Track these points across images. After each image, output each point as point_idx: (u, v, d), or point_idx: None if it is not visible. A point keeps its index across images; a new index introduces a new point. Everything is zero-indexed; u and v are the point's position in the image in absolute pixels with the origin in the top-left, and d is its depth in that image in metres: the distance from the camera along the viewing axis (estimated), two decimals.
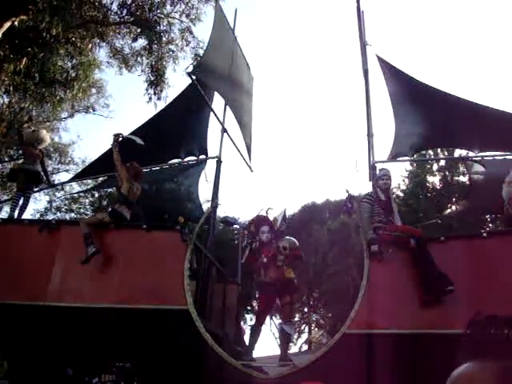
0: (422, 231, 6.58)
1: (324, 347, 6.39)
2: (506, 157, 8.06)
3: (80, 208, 21.60)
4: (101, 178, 10.25)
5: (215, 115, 8.88)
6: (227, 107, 9.30)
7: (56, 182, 13.64)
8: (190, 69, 7.84)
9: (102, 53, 15.34)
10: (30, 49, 11.10)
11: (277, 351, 7.75)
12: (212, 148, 9.42)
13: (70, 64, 13.33)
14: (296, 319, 27.71)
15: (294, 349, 25.85)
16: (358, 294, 6.09)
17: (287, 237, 7.59)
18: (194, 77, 7.70)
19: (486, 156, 8.25)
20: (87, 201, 21.76)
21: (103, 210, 8.99)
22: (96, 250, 6.37)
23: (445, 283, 5.62)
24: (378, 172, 7.00)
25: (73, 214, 21.16)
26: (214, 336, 6.27)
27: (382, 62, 8.42)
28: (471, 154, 8.58)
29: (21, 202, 8.15)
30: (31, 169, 8.33)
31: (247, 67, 10.59)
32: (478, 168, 8.66)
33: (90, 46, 13.15)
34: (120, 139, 7.20)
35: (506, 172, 6.97)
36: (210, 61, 8.46)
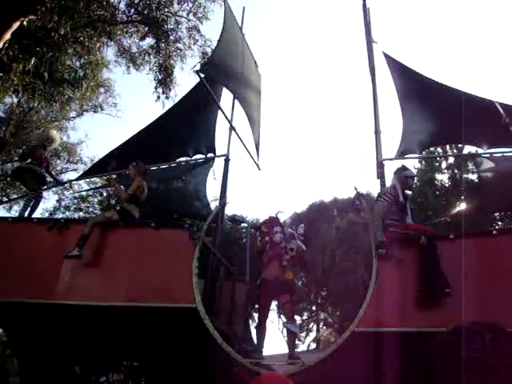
0: (434, 231, 6.54)
1: (333, 345, 6.37)
2: None
3: (89, 207, 21.70)
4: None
5: (223, 113, 8.88)
6: (235, 105, 9.30)
7: (64, 180, 13.71)
8: (198, 67, 7.86)
9: (109, 52, 15.41)
10: (38, 48, 11.14)
11: (286, 349, 7.77)
12: (220, 146, 9.44)
13: (78, 63, 13.38)
14: (304, 317, 27.75)
15: (302, 347, 25.86)
16: (366, 293, 6.08)
17: (297, 241, 7.63)
18: (202, 75, 7.71)
19: (495, 153, 8.19)
20: (96, 200, 21.86)
21: (112, 209, 9.01)
22: (78, 255, 6.41)
23: (443, 285, 5.61)
24: (403, 170, 6.88)
25: (81, 213, 21.27)
26: (223, 334, 6.28)
27: (388, 59, 8.38)
28: (480, 151, 8.52)
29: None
30: (38, 171, 8.39)
31: (255, 65, 10.59)
32: (488, 164, 8.58)
33: (97, 45, 13.19)
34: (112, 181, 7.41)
35: None
36: (219, 59, 8.46)
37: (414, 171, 20.53)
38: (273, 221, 7.85)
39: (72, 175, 21.55)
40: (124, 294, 6.31)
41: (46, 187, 9.32)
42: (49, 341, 6.31)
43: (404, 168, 6.92)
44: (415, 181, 7.00)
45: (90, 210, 21.48)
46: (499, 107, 6.97)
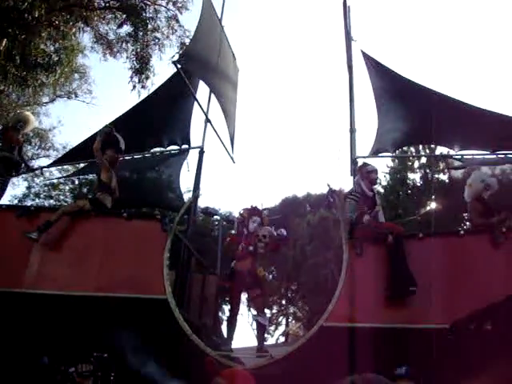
0: (403, 229, 6.67)
1: (302, 339, 6.45)
2: (485, 156, 8.20)
3: (59, 195, 21.31)
4: (82, 165, 10.10)
5: (199, 105, 8.83)
6: (211, 97, 9.25)
7: (35, 167, 13.36)
8: (176, 58, 7.79)
9: (85, 38, 15.07)
10: (10, 30, 10.85)
11: (255, 343, 7.84)
12: (195, 138, 9.39)
13: (52, 48, 13.06)
14: (273, 311, 27.95)
15: (270, 341, 26.04)
16: (336, 288, 6.17)
17: (267, 227, 7.70)
18: (179, 66, 7.65)
19: (466, 155, 8.37)
20: (67, 188, 21.48)
21: (84, 198, 8.86)
22: (35, 239, 6.37)
23: (409, 283, 5.74)
24: (364, 166, 7.06)
25: (52, 201, 20.87)
26: (192, 326, 6.29)
27: (366, 57, 8.44)
28: (452, 152, 8.69)
29: None
30: (10, 157, 8.12)
31: (233, 58, 10.54)
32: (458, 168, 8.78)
33: (73, 30, 12.91)
34: (109, 132, 7.21)
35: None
36: (197, 50, 8.40)
37: (387, 169, 20.84)
38: (254, 210, 7.92)
39: (44, 162, 21.06)
40: (94, 284, 6.25)
41: (16, 174, 9.09)
42: (16, 330, 6.20)
43: (365, 164, 7.15)
44: (377, 175, 7.17)
45: (61, 197, 21.11)
46: None
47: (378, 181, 20.97)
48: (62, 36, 12.66)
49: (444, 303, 5.54)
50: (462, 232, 6.43)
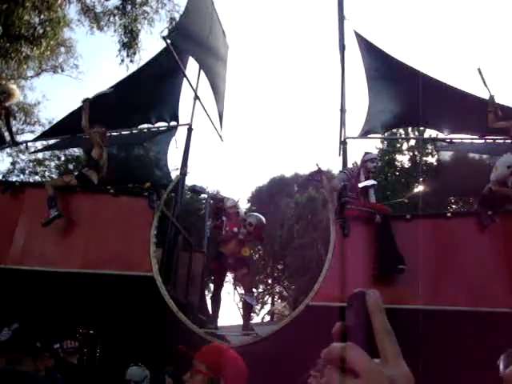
0: (390, 210, 6.70)
1: (287, 318, 6.49)
2: (474, 141, 8.23)
3: (45, 171, 21.05)
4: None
5: (188, 82, 8.72)
6: (201, 74, 9.13)
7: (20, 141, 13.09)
8: (166, 32, 7.64)
9: (72, 10, 14.69)
10: None
11: (241, 321, 7.89)
12: (183, 115, 9.29)
13: (37, 19, 12.71)
14: (260, 290, 28.15)
15: (256, 319, 26.28)
16: (322, 268, 6.19)
17: (256, 214, 7.66)
18: (168, 41, 7.51)
19: (455, 138, 8.39)
20: (53, 164, 21.21)
21: (70, 174, 8.71)
22: (58, 214, 6.22)
23: (398, 261, 5.77)
24: (364, 154, 7.03)
25: (37, 177, 20.62)
26: (179, 304, 6.29)
27: (359, 37, 8.35)
28: (441, 135, 8.71)
29: None
30: None
31: (223, 35, 10.38)
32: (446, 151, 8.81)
33: (59, 1, 12.56)
34: (88, 102, 7.07)
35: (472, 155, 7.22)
36: (187, 25, 8.26)
37: (376, 151, 20.88)
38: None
39: (29, 137, 20.67)
40: (80, 260, 6.20)
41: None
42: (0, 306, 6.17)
43: (365, 153, 7.12)
44: (374, 164, 7.11)
45: (47, 174, 20.85)
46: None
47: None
48: (47, 7, 12.29)
49: (431, 284, 5.59)
50: (448, 214, 6.48)
